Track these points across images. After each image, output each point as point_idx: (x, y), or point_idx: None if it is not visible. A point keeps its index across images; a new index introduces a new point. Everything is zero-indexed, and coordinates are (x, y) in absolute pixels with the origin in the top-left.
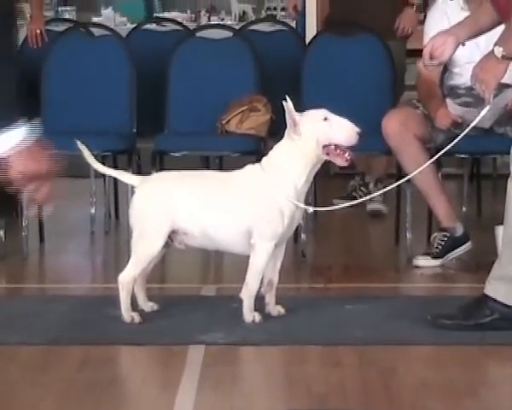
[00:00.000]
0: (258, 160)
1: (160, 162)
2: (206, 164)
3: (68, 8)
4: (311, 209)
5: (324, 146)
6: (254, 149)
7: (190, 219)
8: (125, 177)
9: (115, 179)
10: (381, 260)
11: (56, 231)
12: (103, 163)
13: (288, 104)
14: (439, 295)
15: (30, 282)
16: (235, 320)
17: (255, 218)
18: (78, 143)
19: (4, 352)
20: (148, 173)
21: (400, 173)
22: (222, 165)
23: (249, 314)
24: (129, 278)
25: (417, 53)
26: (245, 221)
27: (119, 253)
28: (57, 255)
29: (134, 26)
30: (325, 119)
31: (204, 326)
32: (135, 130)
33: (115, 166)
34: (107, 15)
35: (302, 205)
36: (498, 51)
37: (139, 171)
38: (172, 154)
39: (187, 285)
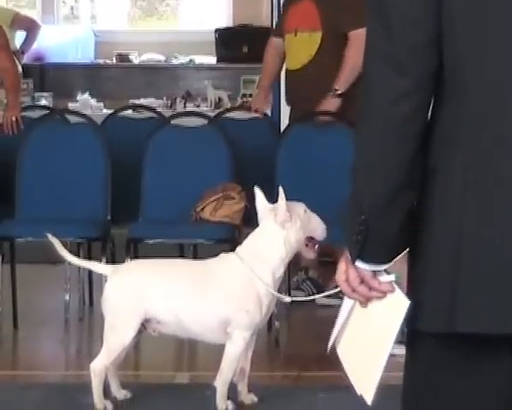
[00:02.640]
0: (233, 248)
1: (134, 250)
2: (180, 252)
3: (45, 93)
4: (288, 300)
5: (306, 237)
6: (229, 237)
7: (163, 309)
8: (97, 267)
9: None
10: None
11: (30, 318)
12: (78, 250)
13: (260, 196)
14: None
15: (3, 369)
16: (208, 409)
17: (233, 307)
18: (49, 235)
19: None
20: (123, 261)
21: None
22: (196, 253)
23: (222, 403)
24: (101, 366)
25: None
26: (222, 311)
27: (92, 340)
28: (31, 342)
29: (110, 112)
30: (305, 211)
31: None
32: (109, 217)
33: (89, 253)
34: (83, 101)
35: (281, 296)
36: None
37: (113, 258)
38: (147, 241)
39: (160, 373)
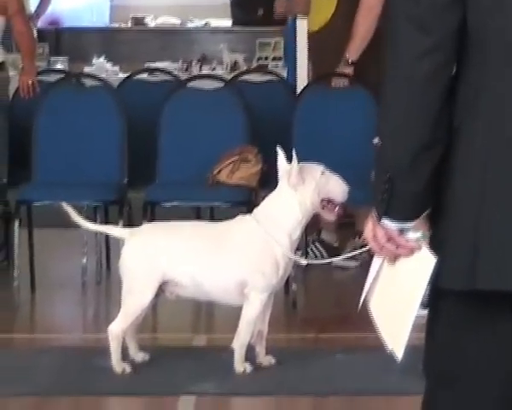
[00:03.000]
0: (249, 210)
1: (151, 213)
2: (197, 215)
3: (61, 58)
4: (304, 262)
5: (321, 199)
6: (245, 200)
7: (181, 271)
8: (114, 231)
9: None
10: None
11: (48, 282)
12: (95, 214)
13: (282, 154)
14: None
15: (21, 332)
16: (225, 371)
17: (250, 270)
18: (64, 204)
19: None
20: (140, 224)
21: None
22: (213, 216)
23: (240, 365)
24: (118, 329)
25: None
26: (238, 273)
27: (110, 303)
28: (48, 306)
29: (126, 75)
30: (323, 173)
31: (194, 377)
32: (126, 181)
33: (106, 217)
34: (99, 65)
35: (298, 258)
36: None
37: (130, 221)
38: (163, 204)
39: (178, 335)
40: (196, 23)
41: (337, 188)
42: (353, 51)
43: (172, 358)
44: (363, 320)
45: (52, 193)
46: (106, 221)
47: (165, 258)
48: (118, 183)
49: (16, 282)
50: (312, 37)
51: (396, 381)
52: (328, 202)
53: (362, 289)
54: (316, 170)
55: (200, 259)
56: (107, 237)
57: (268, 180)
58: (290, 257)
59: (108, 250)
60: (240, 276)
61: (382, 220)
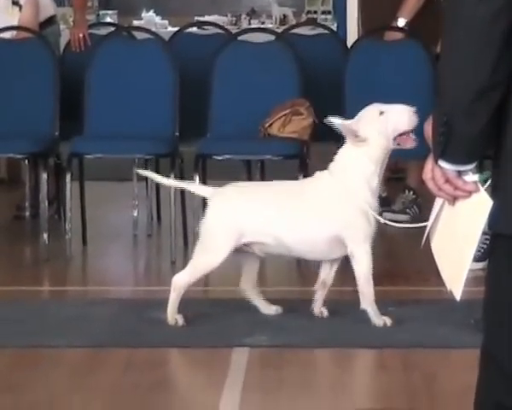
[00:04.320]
0: (301, 164)
1: (202, 166)
2: (247, 168)
3: (110, 11)
4: (382, 220)
5: (395, 137)
6: (297, 153)
7: (265, 232)
8: (198, 188)
9: (157, 183)
10: (424, 264)
11: (99, 235)
12: (145, 166)
13: (336, 122)
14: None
15: (73, 284)
16: (279, 323)
17: (340, 225)
18: (140, 171)
19: (50, 355)
20: (191, 177)
21: None
22: (264, 169)
23: (379, 319)
24: (182, 282)
25: None
26: (329, 228)
27: (161, 256)
28: (100, 258)
29: (175, 29)
30: (381, 113)
31: (248, 329)
32: (177, 134)
33: (157, 170)
34: (148, 19)
35: (377, 217)
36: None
37: (182, 174)
38: (215, 157)
39: (230, 288)
40: None
41: (401, 118)
42: (407, 12)
43: (225, 311)
44: (416, 274)
45: (104, 146)
46: (157, 175)
47: (247, 220)
48: (169, 136)
49: (68, 235)
50: None
51: (448, 335)
52: (400, 135)
53: (413, 242)
54: (373, 114)
55: (283, 219)
56: (157, 190)
57: (320, 133)
58: (372, 214)
59: (159, 203)
60: (328, 232)
61: (440, 162)
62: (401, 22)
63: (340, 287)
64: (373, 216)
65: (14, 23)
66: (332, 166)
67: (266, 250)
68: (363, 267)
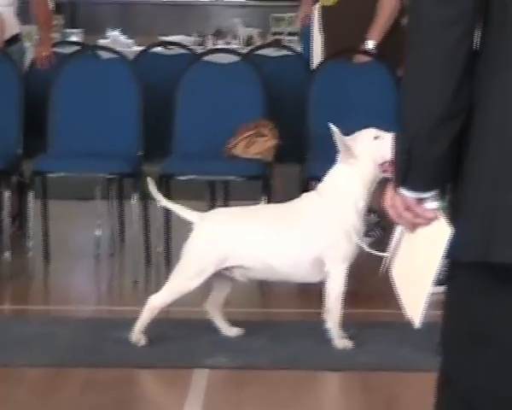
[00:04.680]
0: (264, 185)
1: (166, 186)
2: (211, 188)
3: (75, 30)
4: (367, 249)
5: (380, 164)
6: (260, 174)
7: (251, 257)
8: (185, 213)
9: (121, 201)
10: (385, 286)
11: (62, 253)
12: (109, 185)
13: (335, 130)
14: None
15: (35, 303)
16: (239, 345)
17: (323, 245)
18: (149, 179)
19: (10, 374)
20: (154, 198)
21: None
22: (228, 190)
23: (340, 341)
24: (157, 303)
25: None
26: (312, 250)
27: (123, 275)
28: (62, 277)
29: (141, 48)
30: (375, 137)
31: (208, 350)
32: (141, 153)
33: (120, 189)
34: (113, 38)
35: (359, 242)
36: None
37: (145, 195)
38: (179, 178)
39: (192, 309)
40: None
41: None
42: (376, 34)
43: (186, 332)
44: (377, 296)
45: (67, 164)
46: (120, 194)
47: (232, 245)
48: (133, 155)
49: (30, 253)
50: (326, 11)
51: (409, 357)
52: (390, 164)
53: (374, 264)
54: (367, 137)
55: (269, 241)
56: (121, 209)
57: (283, 154)
58: (357, 241)
59: (123, 222)
60: (313, 252)
61: (400, 189)
62: (370, 44)
63: (300, 309)
64: (357, 237)
65: None
66: (320, 186)
67: (248, 274)
68: (336, 287)
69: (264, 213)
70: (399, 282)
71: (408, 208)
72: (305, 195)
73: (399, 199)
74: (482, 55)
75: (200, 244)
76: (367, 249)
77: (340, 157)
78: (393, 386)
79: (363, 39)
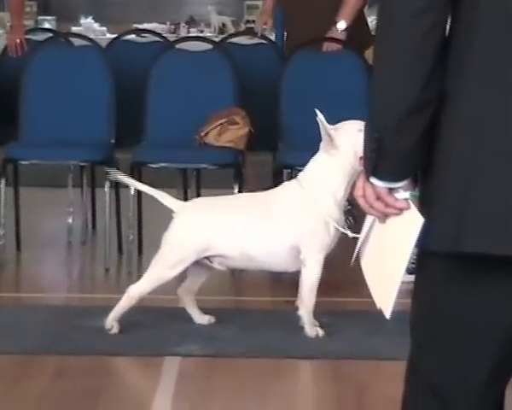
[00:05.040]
0: (236, 173)
1: (137, 174)
2: (183, 176)
3: (48, 17)
4: (350, 235)
5: (361, 157)
6: (232, 162)
7: (230, 246)
8: (165, 199)
9: (93, 189)
10: (357, 275)
11: (33, 241)
12: (81, 173)
13: (321, 118)
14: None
15: (6, 291)
16: (211, 332)
17: (301, 234)
18: (113, 171)
19: None
20: (126, 186)
21: None
22: (199, 178)
23: (312, 329)
24: (137, 292)
25: None
26: (290, 238)
27: (95, 264)
28: (34, 265)
29: (114, 36)
30: (359, 130)
31: (180, 338)
32: (113, 141)
33: (92, 177)
34: (86, 25)
35: (341, 229)
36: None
37: (117, 182)
38: (150, 165)
39: (164, 297)
40: None
41: None
42: (346, 16)
43: (158, 319)
44: (348, 285)
45: (39, 152)
46: (93, 182)
47: (213, 234)
48: (105, 143)
49: (2, 241)
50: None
51: (381, 345)
52: None
53: (346, 253)
54: (351, 129)
55: (250, 231)
56: (93, 197)
57: (255, 143)
58: (337, 228)
59: (94, 210)
60: (291, 241)
61: (371, 179)
62: (342, 25)
63: (272, 297)
64: (334, 228)
65: None
66: (301, 175)
67: (228, 263)
68: (311, 275)
69: (244, 203)
70: (369, 272)
71: (379, 198)
72: (285, 183)
73: (370, 189)
74: (453, 43)
75: (181, 234)
76: (351, 235)
77: (322, 146)
78: (364, 375)
79: (331, 24)
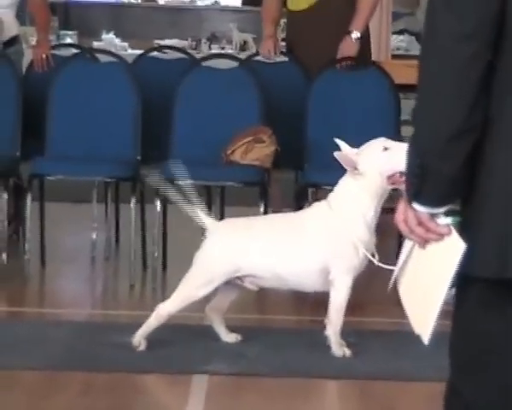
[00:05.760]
0: (262, 191)
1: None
2: (208, 194)
3: (69, 32)
4: (376, 262)
5: (389, 176)
6: (258, 181)
7: (261, 266)
8: (201, 218)
9: (117, 205)
10: (384, 295)
11: (57, 256)
12: (105, 190)
13: (343, 146)
14: (442, 331)
15: (30, 306)
16: (238, 351)
17: (330, 255)
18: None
19: (6, 377)
20: (152, 202)
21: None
22: (224, 196)
23: (339, 349)
24: (166, 311)
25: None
26: (320, 259)
27: (118, 279)
28: (58, 280)
29: (135, 52)
30: (385, 149)
31: (207, 356)
32: (139, 157)
33: (117, 193)
34: (108, 40)
35: (369, 256)
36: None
37: (142, 198)
38: (176, 182)
39: (190, 314)
40: (206, 1)
41: (404, 158)
42: (360, 26)
43: (185, 337)
44: (375, 305)
45: (65, 168)
46: (117, 198)
47: (245, 254)
48: (131, 159)
49: (27, 255)
50: (303, 15)
51: (408, 366)
52: (400, 175)
53: (372, 273)
54: (374, 151)
55: (281, 252)
56: (117, 212)
57: (282, 161)
58: (365, 254)
59: (118, 226)
60: (321, 262)
61: (413, 204)
62: (356, 34)
63: (297, 316)
64: (364, 250)
65: None
66: (330, 196)
67: (259, 283)
68: (339, 296)
69: (274, 223)
70: (407, 297)
71: (420, 223)
72: (315, 204)
73: (412, 213)
74: (499, 69)
75: (212, 254)
76: (376, 263)
77: (347, 170)
78: (391, 395)
79: (348, 31)
